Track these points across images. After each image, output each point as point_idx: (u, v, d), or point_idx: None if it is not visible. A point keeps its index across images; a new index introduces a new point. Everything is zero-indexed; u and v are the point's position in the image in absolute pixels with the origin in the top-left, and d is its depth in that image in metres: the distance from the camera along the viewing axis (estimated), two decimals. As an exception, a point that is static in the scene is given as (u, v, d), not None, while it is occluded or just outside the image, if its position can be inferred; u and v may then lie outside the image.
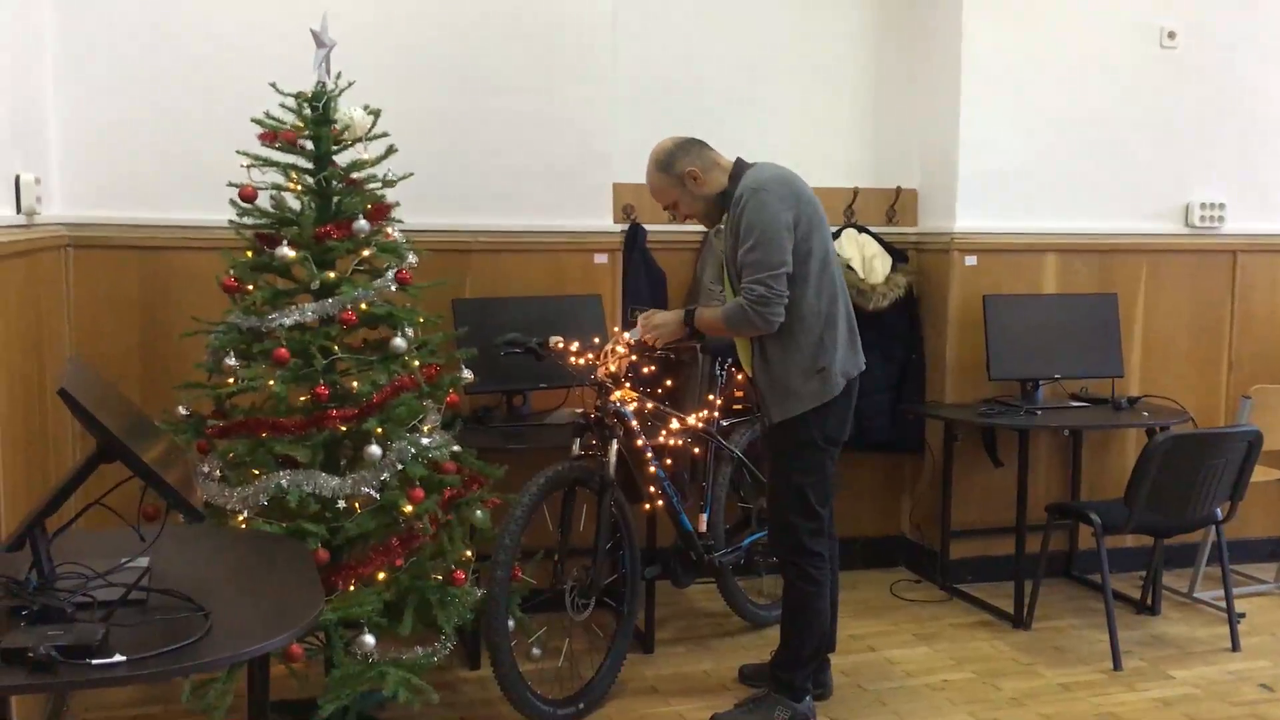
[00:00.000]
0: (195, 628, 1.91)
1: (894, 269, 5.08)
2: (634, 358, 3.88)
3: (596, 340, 3.89)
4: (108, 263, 4.12)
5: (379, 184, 3.53)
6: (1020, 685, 4.03)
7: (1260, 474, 4.65)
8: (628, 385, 3.90)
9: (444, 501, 3.41)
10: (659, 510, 4.10)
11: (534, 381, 4.33)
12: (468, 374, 3.61)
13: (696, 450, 4.36)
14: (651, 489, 3.99)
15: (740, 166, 3.61)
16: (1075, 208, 5.11)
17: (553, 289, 4.59)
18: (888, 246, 5.11)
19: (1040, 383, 4.91)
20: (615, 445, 3.81)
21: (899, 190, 5.21)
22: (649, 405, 4.03)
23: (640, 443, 3.90)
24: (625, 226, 4.84)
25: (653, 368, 4.06)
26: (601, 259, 4.68)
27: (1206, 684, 4.05)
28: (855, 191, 5.16)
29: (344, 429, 3.27)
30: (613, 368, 3.81)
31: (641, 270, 4.85)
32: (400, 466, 3.28)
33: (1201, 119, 5.21)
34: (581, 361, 3.87)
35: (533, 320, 4.34)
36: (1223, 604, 4.48)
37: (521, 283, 4.57)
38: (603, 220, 4.69)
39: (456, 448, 3.60)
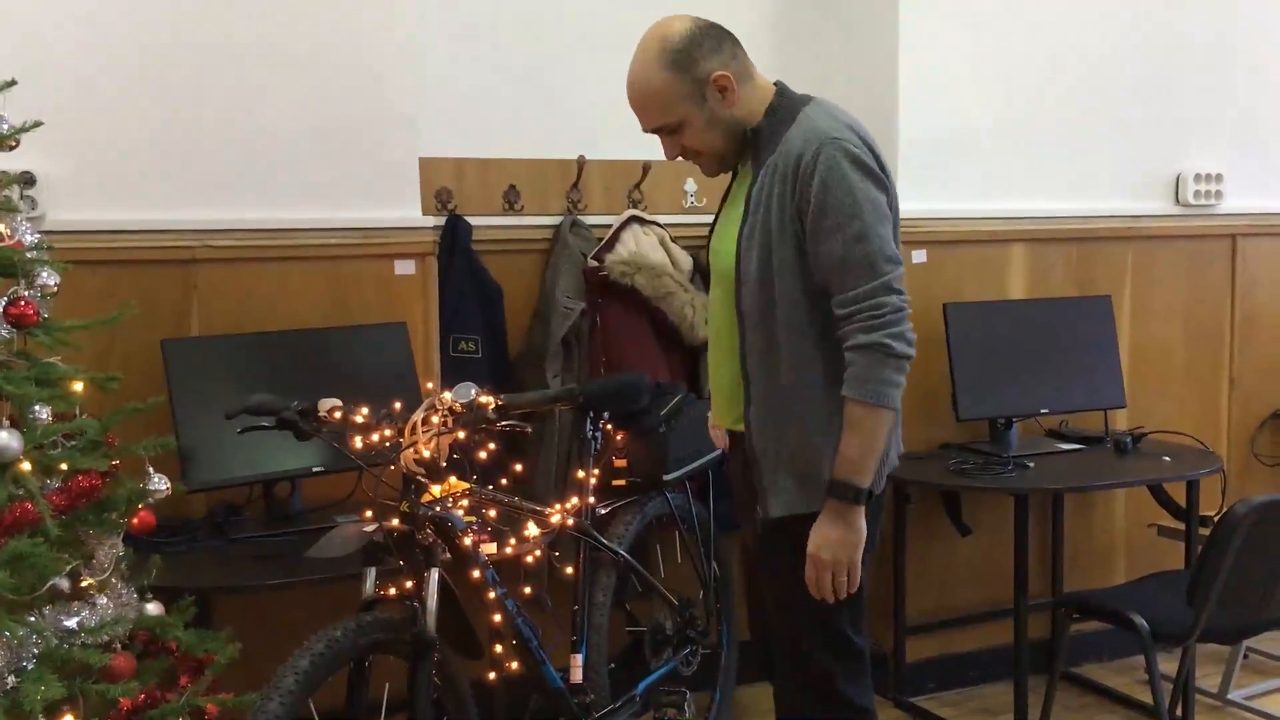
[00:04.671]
0: None
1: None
2: (460, 434, 2.34)
3: (399, 406, 2.35)
4: None
5: (-20, 141, 1.92)
6: None
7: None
8: (453, 475, 2.37)
9: (113, 730, 1.83)
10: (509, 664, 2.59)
11: (303, 464, 2.77)
12: (158, 481, 2.02)
13: (557, 556, 2.88)
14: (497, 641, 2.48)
15: (788, 96, 2.22)
16: (1044, 183, 3.85)
17: (332, 316, 3.03)
18: (804, 241, 3.73)
19: (1015, 420, 3.63)
20: (436, 575, 2.28)
21: (815, 164, 3.84)
22: (488, 500, 2.52)
23: (478, 573, 2.38)
24: (440, 221, 3.31)
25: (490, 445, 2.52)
26: (406, 268, 3.14)
27: None
28: (758, 166, 3.76)
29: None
30: (427, 452, 2.28)
31: (467, 282, 3.33)
32: (12, 681, 1.69)
33: (1197, 69, 4.01)
34: (377, 439, 2.33)
35: (299, 367, 2.81)
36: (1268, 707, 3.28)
37: (281, 308, 2.99)
38: (407, 211, 3.16)
39: (152, 608, 2.02)
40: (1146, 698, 3.59)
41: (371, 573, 2.29)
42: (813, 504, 2.12)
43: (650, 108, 2.19)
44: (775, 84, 2.25)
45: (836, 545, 2.07)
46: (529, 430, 2.40)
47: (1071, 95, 3.83)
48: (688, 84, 2.14)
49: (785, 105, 2.19)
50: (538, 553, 2.64)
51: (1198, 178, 4.03)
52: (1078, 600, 3.19)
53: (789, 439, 2.16)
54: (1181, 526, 3.64)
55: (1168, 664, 3.58)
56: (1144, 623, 2.91)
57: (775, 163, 2.13)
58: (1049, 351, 3.64)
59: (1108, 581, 3.89)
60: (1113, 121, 3.91)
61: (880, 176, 2.12)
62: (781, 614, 2.29)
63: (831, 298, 2.08)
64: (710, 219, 2.46)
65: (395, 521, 2.29)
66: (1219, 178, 4.06)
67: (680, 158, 2.29)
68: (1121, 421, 3.90)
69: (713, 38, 2.17)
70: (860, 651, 2.26)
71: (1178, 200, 4.05)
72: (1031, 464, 3.38)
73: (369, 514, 2.37)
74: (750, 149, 2.21)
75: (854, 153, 2.08)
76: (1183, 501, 3.62)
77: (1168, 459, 3.50)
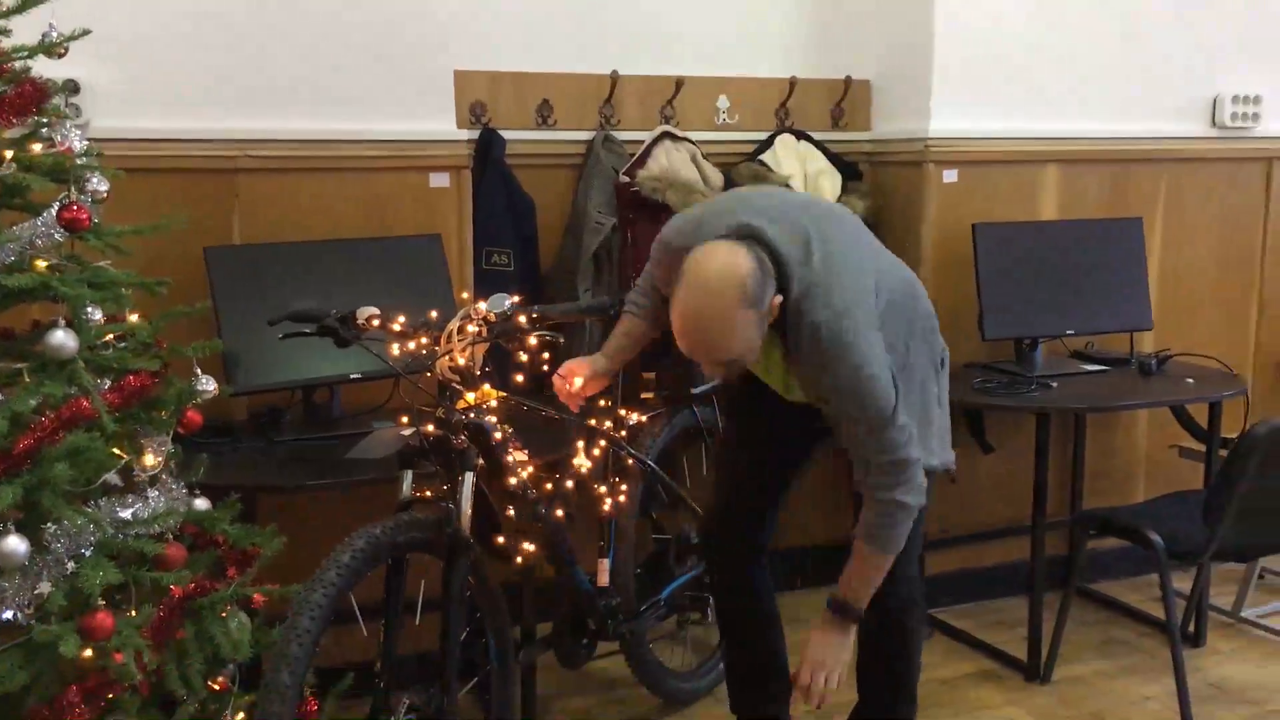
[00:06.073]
0: None
1: (845, 190, 3.73)
2: (495, 341, 2.41)
3: (435, 315, 2.42)
4: None
5: (28, 52, 1.97)
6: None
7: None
8: (486, 383, 2.44)
9: (164, 615, 1.93)
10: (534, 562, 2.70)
11: (342, 371, 2.85)
12: (206, 382, 2.10)
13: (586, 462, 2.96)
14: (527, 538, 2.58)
15: (773, 256, 2.21)
16: (1080, 104, 3.82)
17: (369, 227, 3.09)
18: (835, 159, 3.74)
19: (1040, 341, 3.66)
20: (470, 479, 2.37)
21: (848, 81, 3.83)
22: (520, 408, 2.59)
23: (513, 480, 2.47)
24: (474, 134, 3.35)
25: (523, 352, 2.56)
26: (441, 180, 3.19)
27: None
28: (791, 83, 3.74)
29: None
30: (461, 360, 2.35)
31: (500, 196, 3.38)
32: (72, 567, 1.79)
33: (1237, -13, 3.97)
34: (413, 346, 2.40)
35: (336, 276, 2.88)
36: (1287, 629, 3.35)
37: (320, 219, 3.05)
38: (442, 124, 3.19)
39: (200, 503, 2.12)
40: (1161, 614, 3.67)
41: (408, 475, 2.38)
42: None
43: (733, 345, 2.17)
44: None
45: (832, 650, 2.31)
46: (560, 340, 2.46)
47: (1109, 15, 3.79)
48: (761, 315, 2.17)
49: (785, 271, 2.20)
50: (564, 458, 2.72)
51: (1235, 99, 3.99)
52: (1094, 517, 3.25)
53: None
54: (1203, 448, 3.67)
55: (1183, 583, 3.66)
56: (1159, 539, 2.97)
57: (790, 331, 2.22)
58: (1077, 273, 3.65)
59: (1128, 502, 3.95)
60: (1151, 42, 3.87)
61: (862, 330, 2.19)
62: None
63: (848, 444, 2.25)
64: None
65: (430, 427, 2.37)
66: (1257, 99, 4.02)
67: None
68: (1148, 344, 3.92)
69: (762, 263, 2.16)
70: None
71: (1214, 123, 4.02)
72: (1055, 384, 3.41)
73: (405, 419, 2.45)
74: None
75: (839, 335, 2.17)
76: (1205, 424, 3.65)
77: (1191, 381, 3.53)
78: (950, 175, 3.68)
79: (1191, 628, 3.59)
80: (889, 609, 2.46)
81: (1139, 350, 3.82)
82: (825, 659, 2.30)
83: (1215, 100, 4.00)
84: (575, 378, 2.57)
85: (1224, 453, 3.48)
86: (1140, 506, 3.44)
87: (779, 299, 2.18)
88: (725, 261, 2.13)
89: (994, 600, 3.85)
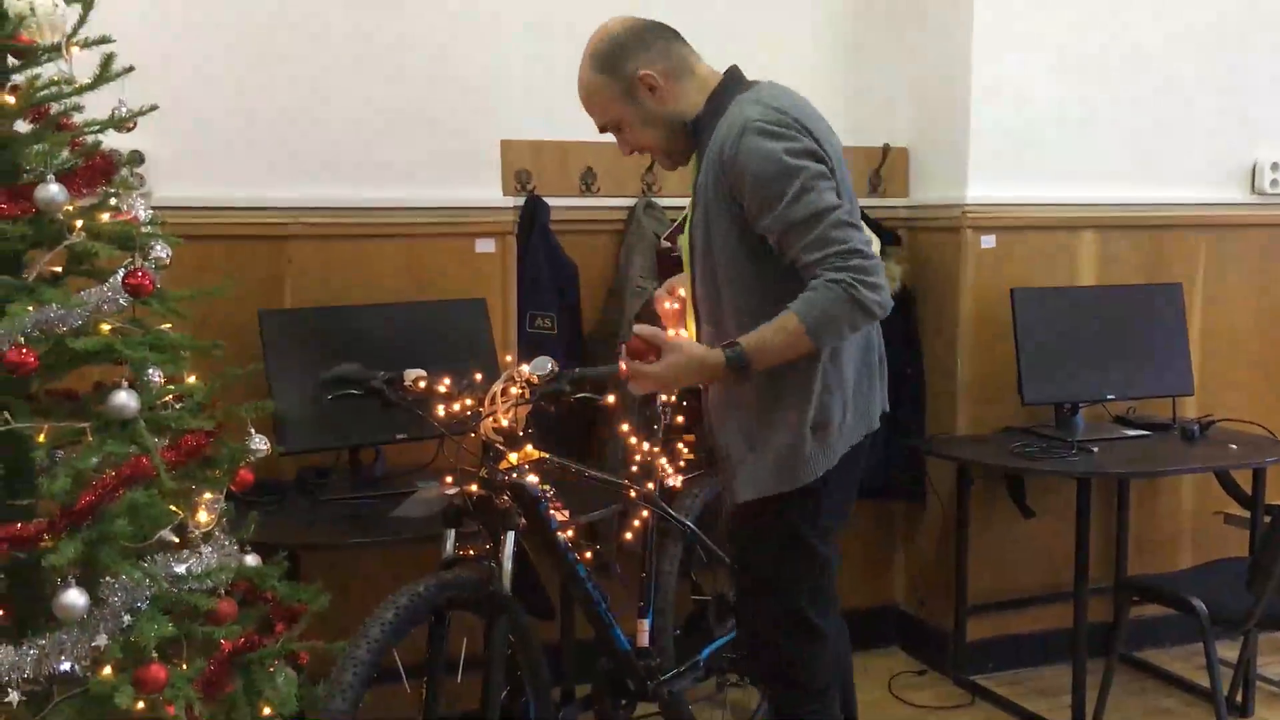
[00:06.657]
0: None
1: (882, 255, 3.77)
2: (537, 403, 2.46)
3: (479, 377, 2.48)
4: None
5: (99, 127, 2.07)
6: None
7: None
8: (529, 444, 2.49)
9: (214, 669, 1.98)
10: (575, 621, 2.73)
11: (388, 432, 2.91)
12: (258, 441, 2.16)
13: (630, 530, 3.00)
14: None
15: (728, 86, 2.24)
16: (1117, 170, 3.86)
17: (416, 291, 3.17)
18: (874, 225, 3.79)
19: (1080, 405, 3.66)
20: (512, 538, 2.41)
21: (886, 149, 3.90)
22: (562, 469, 2.63)
23: (555, 540, 2.51)
24: (520, 201, 3.44)
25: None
26: (486, 246, 3.27)
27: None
28: (830, 151, 3.81)
29: (20, 557, 1.82)
30: (505, 421, 2.40)
31: (543, 262, 3.45)
32: (128, 620, 1.85)
33: (1275, 57, 4.00)
34: (458, 408, 2.46)
35: (383, 339, 2.95)
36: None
37: (368, 283, 3.14)
38: (488, 191, 3.28)
39: (250, 559, 2.18)
40: (1207, 683, 3.62)
41: (451, 534, 2.42)
42: (776, 487, 2.23)
43: (591, 108, 2.29)
44: (726, 72, 2.27)
45: (679, 371, 2.14)
46: (603, 401, 2.51)
47: (1147, 82, 3.84)
48: (618, 84, 2.23)
49: (723, 93, 2.22)
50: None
51: (1274, 166, 4.01)
52: (1137, 583, 3.24)
53: (746, 428, 2.25)
54: (1247, 515, 3.64)
55: (1230, 652, 3.61)
56: (1203, 606, 2.95)
57: (709, 153, 2.19)
58: (1117, 338, 3.67)
59: (1171, 568, 3.91)
60: (1189, 109, 3.90)
61: (795, 129, 2.10)
62: (753, 592, 2.40)
63: (794, 262, 2.09)
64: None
65: (474, 486, 2.42)
66: (1296, 167, 4.04)
67: (637, 153, 2.37)
68: (1190, 409, 3.91)
69: (639, 38, 2.23)
70: (821, 634, 2.34)
71: (1253, 189, 4.04)
72: (1096, 449, 3.41)
73: (449, 479, 2.50)
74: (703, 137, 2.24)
75: (762, 126, 2.09)
76: (1250, 490, 3.62)
77: (1234, 447, 3.51)
78: (988, 241, 3.72)
79: (1239, 698, 3.53)
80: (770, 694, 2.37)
81: (1181, 415, 3.81)
82: (668, 372, 2.12)
83: (1254, 167, 4.02)
84: (666, 301, 2.55)
85: (1269, 519, 3.47)
86: (1184, 574, 3.41)
87: (647, 73, 2.18)
88: (601, 24, 2.25)
89: (1036, 667, 3.81)
